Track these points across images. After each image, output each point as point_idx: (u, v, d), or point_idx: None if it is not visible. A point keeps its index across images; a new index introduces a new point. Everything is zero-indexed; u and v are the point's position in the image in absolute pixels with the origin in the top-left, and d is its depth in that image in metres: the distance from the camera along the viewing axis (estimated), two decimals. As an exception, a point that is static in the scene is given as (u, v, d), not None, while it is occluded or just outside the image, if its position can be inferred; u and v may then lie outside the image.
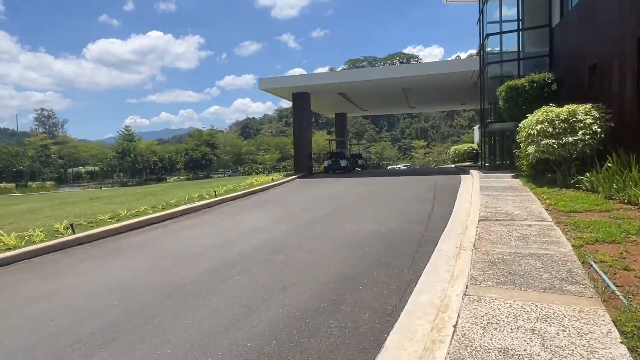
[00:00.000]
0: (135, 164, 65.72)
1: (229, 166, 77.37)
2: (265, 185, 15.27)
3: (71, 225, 7.48)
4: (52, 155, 65.32)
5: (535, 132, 9.76)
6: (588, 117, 9.27)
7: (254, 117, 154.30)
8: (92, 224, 8.25)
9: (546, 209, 7.15)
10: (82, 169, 75.36)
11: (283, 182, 16.96)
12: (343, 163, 22.68)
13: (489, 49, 16.84)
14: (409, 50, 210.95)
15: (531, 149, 9.95)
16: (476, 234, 5.76)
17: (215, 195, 12.12)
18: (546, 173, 10.69)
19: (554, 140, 9.48)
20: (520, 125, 10.90)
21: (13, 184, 51.04)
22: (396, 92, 22.47)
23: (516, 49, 15.44)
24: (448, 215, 7.81)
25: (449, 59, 21.66)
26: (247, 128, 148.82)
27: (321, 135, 78.61)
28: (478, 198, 9.09)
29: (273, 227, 7.77)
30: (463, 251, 5.04)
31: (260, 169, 59.59)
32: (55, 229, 7.74)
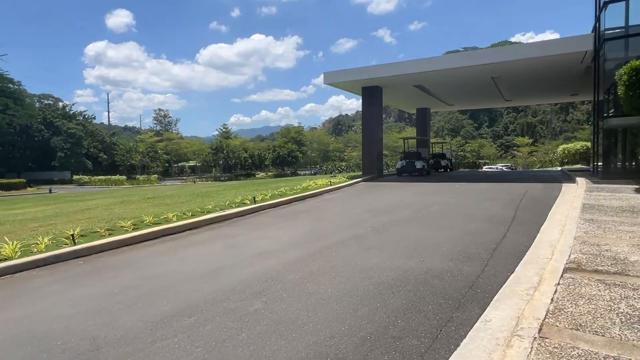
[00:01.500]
0: (227, 160, 69.50)
1: (316, 163, 77.97)
2: (320, 190, 13.81)
3: (72, 235, 6.86)
4: (159, 151, 72.28)
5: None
6: None
7: (346, 114, 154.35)
8: (102, 234, 7.63)
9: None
10: (185, 164, 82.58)
11: (342, 187, 15.33)
12: (418, 165, 20.17)
13: (607, 23, 13.07)
14: (517, 38, 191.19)
15: None
16: (552, 300, 3.55)
17: (254, 201, 11.00)
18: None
19: None
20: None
21: (125, 177, 57.52)
22: (485, 83, 19.19)
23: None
24: (523, 250, 5.49)
25: (552, 38, 16.68)
26: (339, 125, 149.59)
27: (409, 132, 74.81)
28: (575, 224, 6.46)
29: (284, 252, 6.26)
30: (517, 339, 2.94)
31: (343, 167, 58.59)
32: (56, 240, 7.24)
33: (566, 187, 12.21)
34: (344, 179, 17.76)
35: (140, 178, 58.27)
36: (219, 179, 65.99)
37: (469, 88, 20.78)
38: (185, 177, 71.74)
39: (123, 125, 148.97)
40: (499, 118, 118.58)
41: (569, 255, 4.81)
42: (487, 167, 60.12)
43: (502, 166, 61.34)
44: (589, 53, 14.00)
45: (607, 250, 4.88)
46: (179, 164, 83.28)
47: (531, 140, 71.44)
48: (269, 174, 69.31)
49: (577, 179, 13.73)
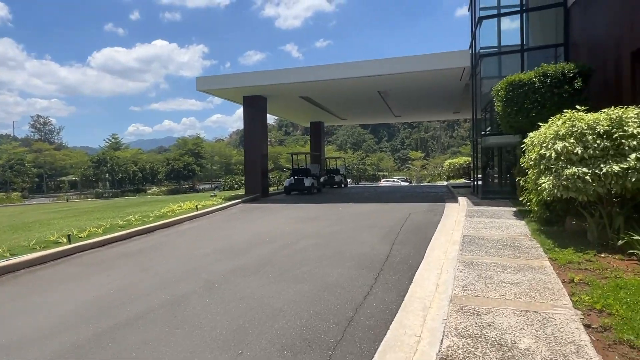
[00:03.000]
0: (112, 174, 61.61)
1: (218, 176, 73.50)
2: (179, 217, 11.26)
3: None
4: (27, 164, 61.40)
5: (554, 154, 5.75)
6: (646, 129, 5.29)
7: None
8: None
9: (587, 325, 3.12)
10: (65, 179, 71.53)
11: (212, 211, 12.95)
12: (307, 182, 18.64)
13: (482, 40, 12.93)
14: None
15: (546, 182, 5.94)
16: None
17: (70, 240, 8.08)
18: (569, 219, 6.68)
19: (585, 169, 5.47)
20: (527, 139, 6.91)
21: (-28, 195, 47.08)
22: (373, 97, 18.54)
23: (519, 37, 11.48)
24: (387, 320, 3.82)
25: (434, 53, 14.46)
26: None
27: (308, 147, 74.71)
28: (453, 270, 5.08)
29: (18, 349, 3.74)
30: None
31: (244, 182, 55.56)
32: None
33: (448, 209, 11.48)
34: (220, 200, 15.35)
35: (-3, 196, 48.20)
36: (101, 195, 58.01)
37: (359, 102, 20.04)
38: (62, 194, 61.86)
39: None
40: (397, 133, 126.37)
41: (441, 341, 3.20)
42: (384, 180, 62.38)
43: (399, 179, 64.19)
44: (467, 70, 13.85)
45: (490, 324, 3.37)
46: (59, 179, 71.97)
47: (423, 154, 76.47)
48: (163, 189, 63.14)
49: (459, 198, 13.28)
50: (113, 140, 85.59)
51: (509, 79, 8.96)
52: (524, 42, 11.48)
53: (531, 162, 6.68)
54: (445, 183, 30.04)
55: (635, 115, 5.48)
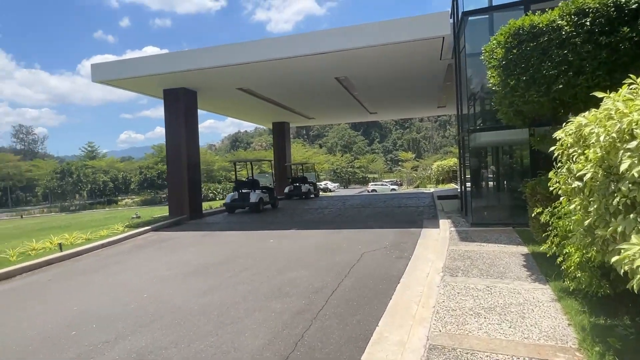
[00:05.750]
0: (77, 185, 57.09)
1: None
2: (22, 266, 7.29)
3: None
4: (-15, 177, 56.85)
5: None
6: None
7: (246, 131, 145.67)
8: None
9: None
10: (37, 191, 66.73)
11: (91, 249, 8.98)
12: (253, 197, 14.67)
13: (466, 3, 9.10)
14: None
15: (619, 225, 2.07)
16: None
17: None
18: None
19: None
20: (563, 132, 3.04)
21: None
22: (333, 87, 14.67)
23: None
24: None
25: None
26: (237, 142, 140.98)
27: (296, 150, 71.15)
28: None
29: None
30: None
31: (219, 190, 51.34)
32: None
33: (422, 245, 7.59)
34: (121, 228, 11.31)
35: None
36: (67, 209, 53.59)
37: (318, 95, 16.10)
38: (29, 208, 57.38)
39: None
40: (389, 134, 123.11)
41: None
42: (372, 183, 58.63)
43: (389, 182, 60.51)
44: (448, 43, 10.01)
45: None
46: (31, 192, 67.26)
47: (414, 155, 72.72)
48: (137, 199, 58.78)
49: (441, 221, 9.42)
50: (89, 148, 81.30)
51: (513, 25, 5.05)
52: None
53: (575, 184, 2.83)
54: (431, 190, 26.22)
55: None
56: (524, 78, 4.80)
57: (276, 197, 16.93)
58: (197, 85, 13.39)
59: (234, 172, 21.54)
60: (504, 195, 9.36)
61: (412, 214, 12.49)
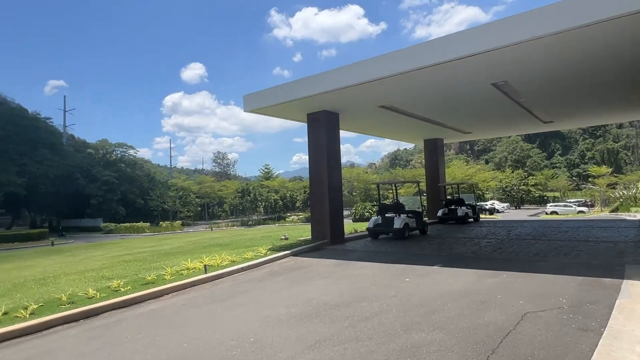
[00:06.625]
0: (255, 202, 65.45)
1: (355, 203, 71.40)
2: (169, 286, 7.97)
3: None
4: (191, 195, 70.43)
5: None
6: None
7: (405, 148, 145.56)
8: None
9: None
10: (225, 207, 79.87)
11: (230, 272, 9.31)
12: (398, 223, 13.40)
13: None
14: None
15: None
16: None
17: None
18: None
19: None
20: None
21: (148, 224, 55.33)
22: (488, 95, 12.36)
23: None
24: None
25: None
26: (397, 159, 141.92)
27: (458, 167, 66.37)
28: None
29: None
30: None
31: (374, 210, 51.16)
32: None
33: (624, 307, 5.15)
34: (263, 251, 11.59)
35: (163, 225, 55.70)
36: (246, 223, 61.95)
37: (474, 106, 13.86)
38: (216, 222, 68.80)
39: (194, 168, 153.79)
40: (574, 145, 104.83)
41: None
42: (551, 204, 49.61)
43: (575, 202, 50.23)
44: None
45: None
46: (214, 208, 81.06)
47: (610, 170, 58.93)
48: (301, 216, 63.94)
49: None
50: (265, 170, 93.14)
51: None
52: None
53: None
54: (638, 216, 20.06)
55: None
56: None
57: (425, 222, 15.26)
58: (339, 107, 13.13)
59: (390, 192, 20.73)
60: None
61: (607, 254, 9.26)
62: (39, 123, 59.33)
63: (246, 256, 11.04)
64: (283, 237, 15.22)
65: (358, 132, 19.32)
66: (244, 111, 12.81)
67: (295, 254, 11.54)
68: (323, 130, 13.32)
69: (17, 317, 6.57)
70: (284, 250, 11.63)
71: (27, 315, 6.60)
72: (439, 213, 19.60)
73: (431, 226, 18.58)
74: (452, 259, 9.85)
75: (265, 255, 11.16)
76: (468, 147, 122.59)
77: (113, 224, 55.63)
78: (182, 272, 9.46)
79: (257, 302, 6.93)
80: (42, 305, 7.23)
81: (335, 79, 11.19)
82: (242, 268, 9.81)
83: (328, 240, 12.95)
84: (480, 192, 56.27)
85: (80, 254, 19.02)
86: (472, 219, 19.83)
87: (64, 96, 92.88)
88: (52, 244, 37.39)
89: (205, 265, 9.37)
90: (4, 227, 54.01)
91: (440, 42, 9.32)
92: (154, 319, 6.40)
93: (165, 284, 8.30)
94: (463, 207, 19.06)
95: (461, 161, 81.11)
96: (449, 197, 20.96)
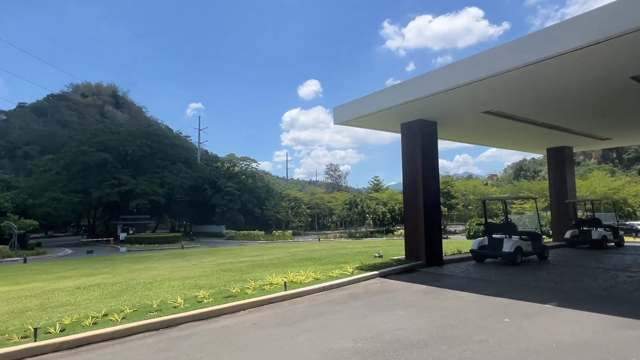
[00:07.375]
0: (361, 215, 65.16)
1: (473, 217, 66.19)
2: (251, 301, 7.97)
3: None
4: (303, 206, 73.54)
5: None
6: None
7: (533, 158, 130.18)
8: None
9: None
10: (334, 218, 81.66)
11: (312, 291, 8.95)
12: (508, 246, 11.45)
13: None
14: None
15: None
16: None
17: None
18: None
19: None
20: None
21: (262, 232, 59.37)
22: (629, 91, 9.78)
23: None
24: None
25: None
26: (522, 170, 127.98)
27: (601, 178, 56.63)
28: None
29: None
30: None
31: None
32: None
33: None
34: (350, 270, 10.95)
35: (276, 234, 59.10)
36: (353, 235, 62.00)
37: (609, 106, 11.22)
38: (325, 233, 70.42)
39: (308, 180, 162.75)
40: None
41: None
42: None
43: None
44: None
45: None
46: (324, 219, 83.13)
47: None
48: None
49: None
50: (375, 181, 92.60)
51: None
52: None
53: None
54: None
55: None
56: None
57: (545, 246, 12.87)
58: (435, 114, 11.94)
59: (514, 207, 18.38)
60: None
61: None
62: (178, 140, 68.70)
63: (331, 274, 10.58)
64: (377, 255, 14.40)
65: (459, 141, 17.50)
66: (334, 124, 12.53)
67: (383, 275, 10.68)
68: (418, 141, 12.25)
69: (111, 320, 7.15)
70: (372, 270, 10.86)
71: (119, 320, 7.14)
72: (567, 235, 16.51)
73: (556, 250, 15.69)
74: (573, 296, 7.90)
75: (352, 274, 10.55)
76: (614, 155, 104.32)
77: (233, 231, 61.09)
78: (265, 286, 9.41)
79: (325, 330, 6.37)
80: (135, 310, 7.79)
81: (429, 83, 10.15)
82: (324, 287, 9.36)
83: (423, 261, 11.75)
84: (630, 209, 46.84)
85: (194, 259, 20.90)
86: (612, 243, 16.22)
87: (199, 117, 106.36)
88: (182, 247, 42.50)
89: (285, 282, 9.17)
90: (150, 230, 63.70)
91: (563, 26, 7.65)
92: (221, 337, 6.31)
93: (245, 299, 8.29)
94: (600, 229, 15.69)
95: (604, 172, 68.99)
96: (581, 216, 17.56)
